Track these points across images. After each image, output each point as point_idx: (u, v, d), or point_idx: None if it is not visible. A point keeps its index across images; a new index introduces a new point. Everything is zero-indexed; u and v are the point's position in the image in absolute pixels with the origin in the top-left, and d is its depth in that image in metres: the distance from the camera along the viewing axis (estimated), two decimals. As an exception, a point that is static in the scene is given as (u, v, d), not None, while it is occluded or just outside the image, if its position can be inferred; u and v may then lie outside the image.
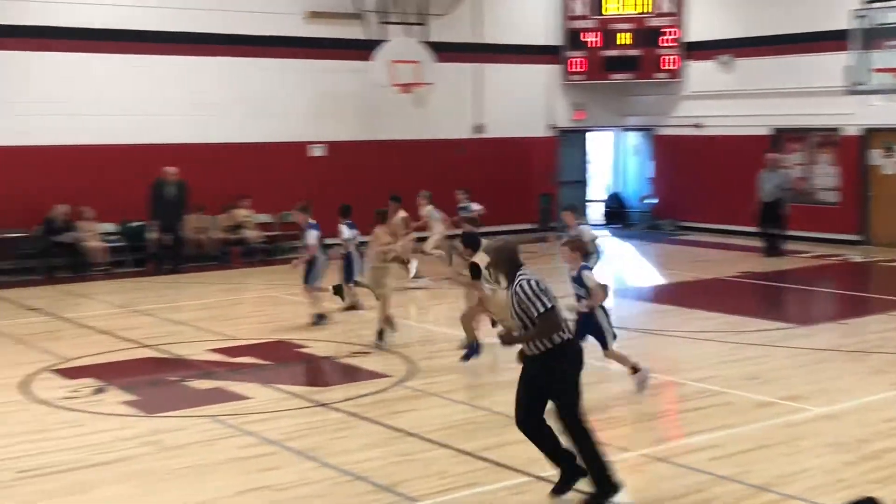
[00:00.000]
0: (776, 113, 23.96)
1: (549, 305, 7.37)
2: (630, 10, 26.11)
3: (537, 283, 7.43)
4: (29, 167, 19.89)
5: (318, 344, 13.58)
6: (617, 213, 27.94)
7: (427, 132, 24.37)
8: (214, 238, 21.60)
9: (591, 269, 10.79)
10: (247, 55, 22.17)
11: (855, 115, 22.27)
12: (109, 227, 20.88)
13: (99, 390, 11.34)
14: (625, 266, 21.72)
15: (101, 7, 20.62)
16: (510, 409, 10.15)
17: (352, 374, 12.10)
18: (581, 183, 27.86)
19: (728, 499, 7.77)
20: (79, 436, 9.71)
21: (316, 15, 22.97)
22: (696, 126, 25.80)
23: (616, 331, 11.00)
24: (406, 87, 22.47)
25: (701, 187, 25.58)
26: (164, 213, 20.58)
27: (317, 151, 23.34)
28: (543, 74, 26.43)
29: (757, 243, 21.66)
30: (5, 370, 12.29)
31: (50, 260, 19.91)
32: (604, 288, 10.88)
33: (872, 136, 22.80)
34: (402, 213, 17.05)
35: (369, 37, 22.95)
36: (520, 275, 7.52)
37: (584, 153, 27.97)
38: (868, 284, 19.93)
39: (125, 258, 20.95)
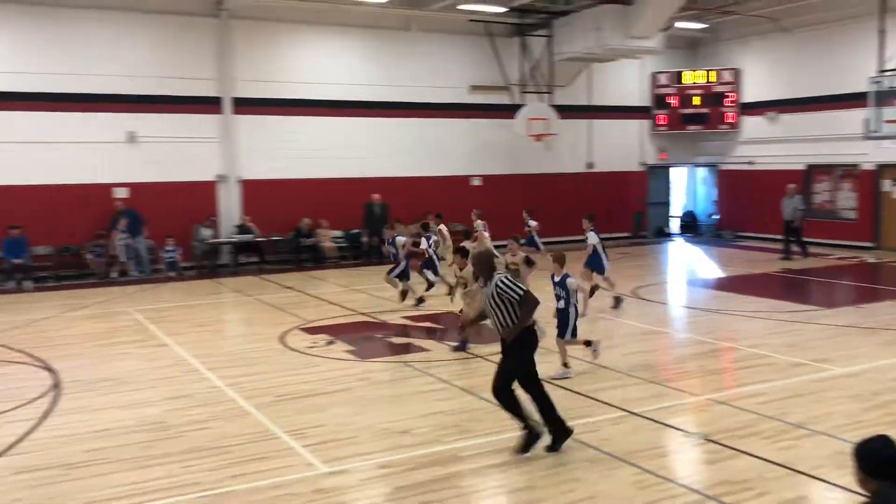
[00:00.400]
0: (809, 153, 22.88)
1: (525, 289, 6.93)
2: (701, 80, 25.32)
3: (511, 278, 7.01)
4: (286, 193, 20.59)
5: (477, 315, 13.62)
6: (690, 226, 27.09)
7: (553, 168, 24.14)
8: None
9: (571, 276, 9.56)
10: (429, 116, 22.41)
11: (870, 155, 21.11)
12: (338, 233, 21.41)
13: (330, 342, 11.63)
14: (695, 263, 21.08)
15: (334, 86, 21.21)
16: (612, 363, 10.04)
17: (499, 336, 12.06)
18: (665, 204, 27.08)
19: (772, 432, 7.45)
20: (316, 373, 10.00)
21: (476, 88, 23.05)
22: (749, 163, 24.83)
23: (576, 329, 9.63)
24: (538, 137, 22.26)
25: (753, 207, 24.58)
26: (372, 225, 21.04)
27: (476, 182, 23.42)
28: (637, 126, 25.82)
29: (793, 249, 20.63)
30: (269, 328, 12.75)
31: (299, 255, 20.54)
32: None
33: (884, 170, 21.49)
34: (442, 227, 16.11)
35: (513, 102, 22.89)
36: (497, 274, 7.06)
37: (667, 183, 27.16)
38: (880, 279, 18.73)
39: (347, 254, 21.48)
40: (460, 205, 21.80)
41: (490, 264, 7.18)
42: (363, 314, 13.91)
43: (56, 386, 9.56)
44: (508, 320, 6.97)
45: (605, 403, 8.41)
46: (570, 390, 8.94)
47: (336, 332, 12.32)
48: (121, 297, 16.27)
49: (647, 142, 26.12)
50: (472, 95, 23.06)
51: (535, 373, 7.16)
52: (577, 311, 9.65)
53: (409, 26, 22.11)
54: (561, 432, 7.12)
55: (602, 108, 25.02)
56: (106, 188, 18.95)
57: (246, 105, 20.20)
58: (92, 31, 18.68)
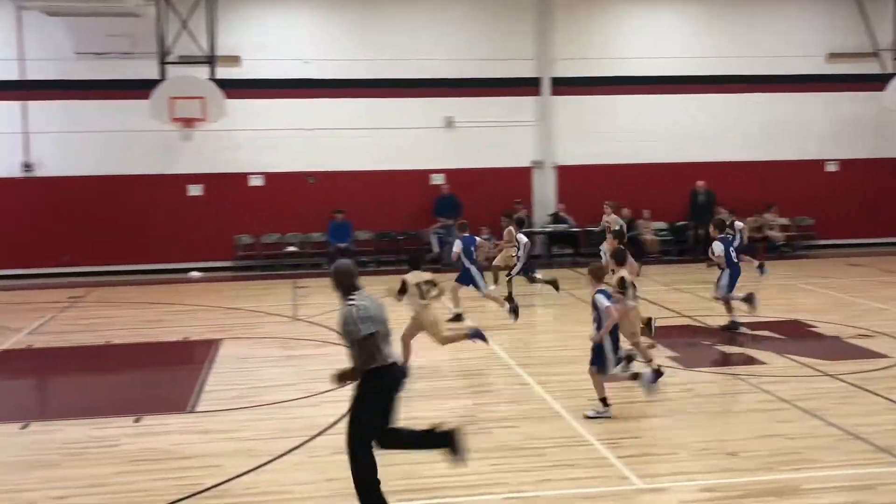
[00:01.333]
0: None
1: (370, 332, 6.01)
2: None
3: (362, 310, 6.05)
4: (604, 179, 20.46)
5: (827, 326, 12.56)
6: None
7: (933, 151, 21.60)
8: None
9: (605, 293, 8.37)
10: (774, 91, 21.12)
11: None
12: (660, 225, 21.05)
13: (650, 346, 11.45)
14: None
15: (662, 60, 20.77)
16: None
17: (856, 352, 11.01)
18: None
19: None
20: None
21: (835, 56, 21.27)
22: None
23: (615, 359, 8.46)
24: (912, 111, 20.11)
25: None
26: (697, 215, 20.39)
27: (831, 168, 21.64)
28: None
29: None
30: (582, 326, 12.48)
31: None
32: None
33: None
34: (511, 228, 14.85)
35: (884, 71, 20.74)
36: (349, 299, 6.12)
37: None
38: None
39: (671, 249, 21.03)
40: (809, 193, 20.41)
41: (347, 282, 6.22)
42: (686, 317, 13.54)
43: (371, 370, 10.48)
44: (352, 359, 6.22)
45: None
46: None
47: (657, 334, 12.02)
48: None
49: None
50: (830, 65, 21.30)
51: (392, 427, 6.25)
52: (615, 337, 8.41)
53: (755, -11, 21.07)
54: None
55: None
56: (424, 174, 20.44)
57: (564, 85, 20.56)
58: (414, 18, 20.28)
